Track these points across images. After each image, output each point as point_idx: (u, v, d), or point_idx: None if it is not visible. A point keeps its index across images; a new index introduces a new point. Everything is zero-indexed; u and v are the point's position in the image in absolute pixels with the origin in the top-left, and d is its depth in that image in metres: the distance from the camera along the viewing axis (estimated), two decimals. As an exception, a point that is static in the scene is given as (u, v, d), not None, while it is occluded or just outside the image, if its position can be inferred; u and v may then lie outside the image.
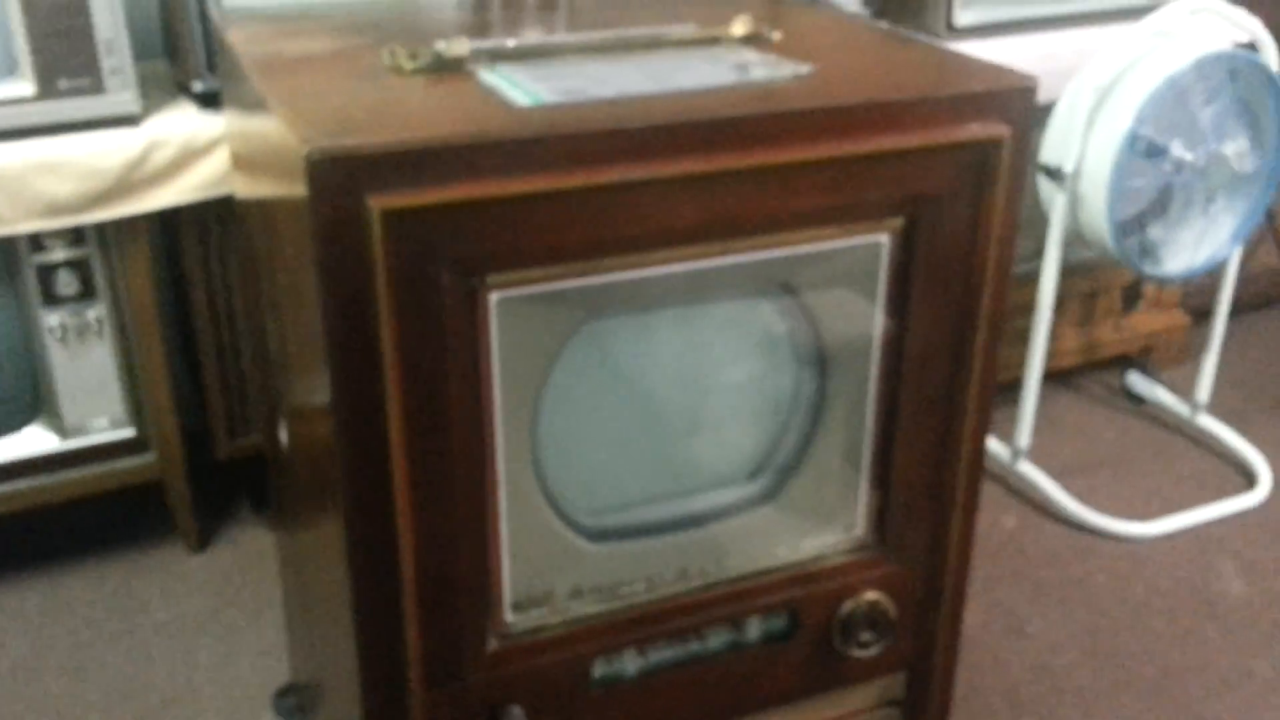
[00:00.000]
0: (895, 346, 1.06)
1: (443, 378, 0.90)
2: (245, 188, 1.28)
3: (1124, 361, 2.41)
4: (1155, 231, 1.92)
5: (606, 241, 0.91)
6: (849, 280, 1.03)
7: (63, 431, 1.76)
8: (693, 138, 0.90)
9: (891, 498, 1.12)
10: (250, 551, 1.90)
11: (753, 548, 1.10)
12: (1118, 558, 1.90)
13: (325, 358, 0.88)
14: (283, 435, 1.28)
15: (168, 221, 1.79)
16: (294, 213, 0.91)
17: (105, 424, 1.78)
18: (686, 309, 1.03)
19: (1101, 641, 1.72)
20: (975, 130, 0.99)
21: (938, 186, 1.00)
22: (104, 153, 1.58)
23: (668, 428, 1.07)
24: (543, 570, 1.02)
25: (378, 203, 0.82)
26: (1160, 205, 1.90)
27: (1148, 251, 1.92)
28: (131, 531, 1.93)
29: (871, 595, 1.14)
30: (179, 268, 1.82)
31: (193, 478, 1.86)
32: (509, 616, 1.01)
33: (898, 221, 1.01)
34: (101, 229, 1.67)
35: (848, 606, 1.14)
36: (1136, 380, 2.35)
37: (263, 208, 1.14)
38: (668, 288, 0.97)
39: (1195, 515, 1.99)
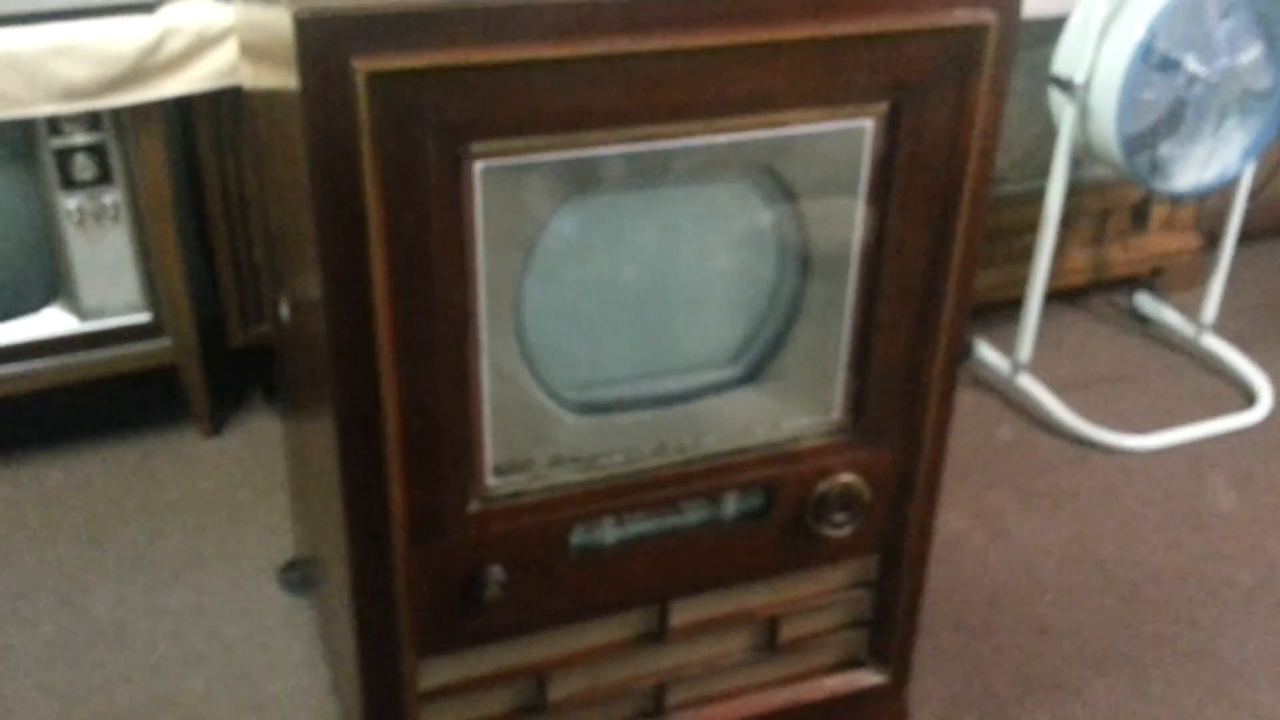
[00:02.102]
0: (877, 235, 1.09)
1: (427, 243, 0.93)
2: (251, 76, 1.30)
3: (1134, 282, 2.41)
4: (1167, 148, 1.91)
5: (590, 114, 0.93)
6: (833, 167, 1.05)
7: (81, 314, 1.81)
8: (681, 11, 0.92)
9: (869, 384, 1.15)
10: (261, 438, 1.96)
11: (731, 427, 1.13)
12: (1111, 470, 1.93)
13: (313, 222, 0.91)
14: (284, 316, 1.32)
15: (183, 109, 1.81)
16: (287, 88, 0.94)
17: (122, 308, 1.82)
18: (671, 189, 1.05)
19: (1087, 547, 1.75)
20: (961, 15, 1.00)
21: (922, 72, 1.01)
22: (120, 38, 1.61)
23: (650, 307, 1.10)
24: (524, 438, 1.06)
25: (363, 65, 0.85)
26: (1172, 121, 1.89)
27: (1158, 168, 1.92)
28: (148, 414, 1.99)
29: (846, 477, 1.18)
30: (194, 156, 1.85)
31: (207, 364, 1.91)
32: (490, 480, 1.06)
33: (881, 107, 1.03)
34: (117, 115, 1.70)
35: (822, 487, 1.17)
36: (1144, 300, 2.35)
37: (264, 95, 1.16)
38: (652, 165, 1.00)
39: (1192, 431, 2.01)
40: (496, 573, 1.08)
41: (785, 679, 1.30)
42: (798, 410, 1.15)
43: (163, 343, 1.86)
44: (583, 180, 0.98)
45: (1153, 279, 2.40)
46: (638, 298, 1.09)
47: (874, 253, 1.09)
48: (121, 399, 2.00)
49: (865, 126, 1.03)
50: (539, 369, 1.06)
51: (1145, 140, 1.89)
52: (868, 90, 1.01)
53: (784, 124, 1.00)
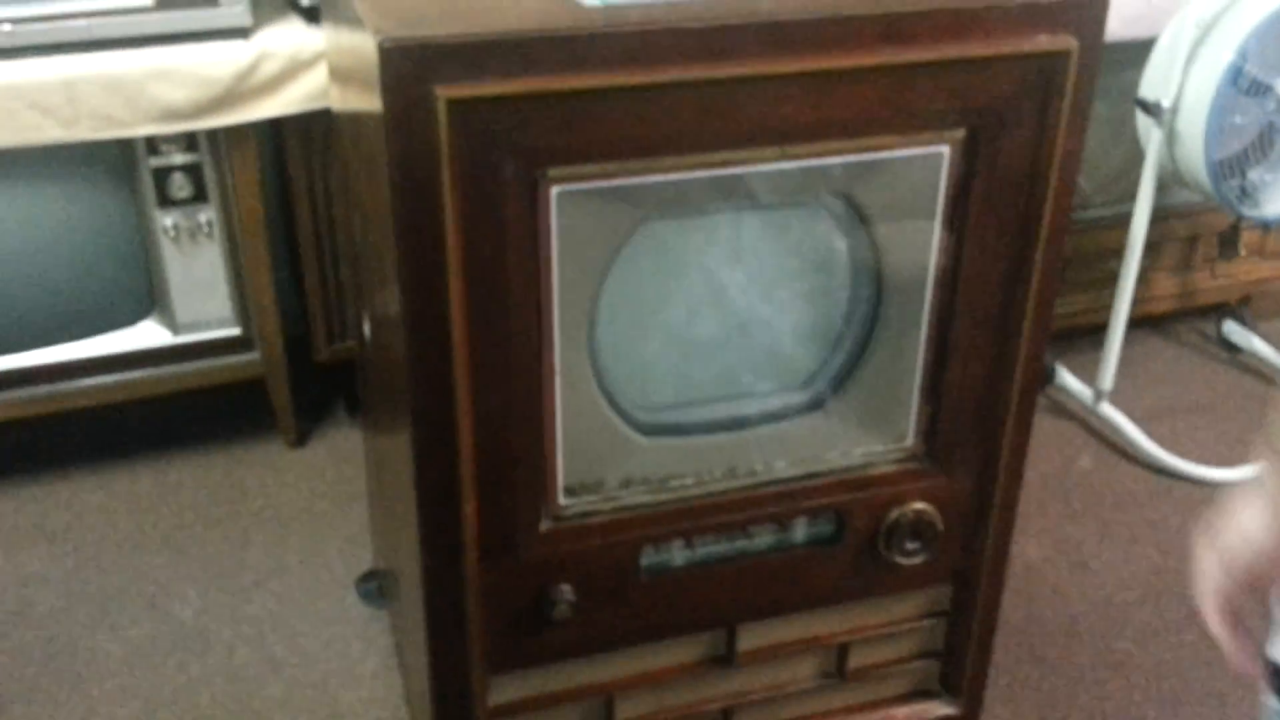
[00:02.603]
0: (953, 263, 1.08)
1: (503, 265, 0.95)
2: (339, 99, 1.34)
3: (1222, 310, 2.35)
4: (1256, 173, 1.87)
5: (665, 140, 0.95)
6: (910, 193, 1.05)
7: (174, 327, 1.87)
8: (754, 40, 0.93)
9: (943, 412, 1.14)
10: (344, 451, 2.00)
11: (802, 452, 1.13)
12: (1195, 502, 1.88)
13: (393, 241, 0.93)
14: (367, 333, 1.35)
15: (276, 131, 1.87)
16: (372, 110, 0.97)
17: (213, 322, 1.88)
18: (747, 214, 1.06)
19: (1168, 581, 1.71)
20: (1042, 42, 1.00)
21: (1001, 98, 1.01)
22: (216, 62, 1.66)
23: (723, 331, 1.11)
24: (595, 459, 1.07)
25: (444, 92, 0.87)
26: (1262, 146, 1.85)
27: (1248, 194, 1.88)
28: (236, 425, 2.04)
29: (919, 505, 1.17)
30: (285, 176, 1.91)
31: (294, 378, 1.95)
32: (562, 500, 1.07)
33: (959, 133, 1.02)
34: (213, 136, 1.75)
35: (894, 514, 1.17)
36: (1233, 329, 2.30)
37: (351, 117, 1.20)
38: (727, 191, 1.01)
39: (1282, 465, 1.95)
40: (566, 592, 1.09)
41: (854, 707, 1.29)
42: (870, 436, 1.15)
43: (252, 356, 1.91)
44: (658, 205, 0.99)
45: (1242, 307, 2.35)
46: (711, 321, 1.10)
47: (950, 279, 1.08)
48: (211, 410, 2.06)
49: (943, 152, 1.03)
50: (612, 390, 1.07)
51: (1234, 165, 1.85)
52: (945, 116, 1.01)
53: (860, 150, 1.01)
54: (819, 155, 1.00)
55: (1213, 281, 2.31)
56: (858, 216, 1.06)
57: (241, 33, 1.69)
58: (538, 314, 0.99)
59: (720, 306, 1.10)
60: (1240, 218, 1.97)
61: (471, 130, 0.89)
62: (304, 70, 1.71)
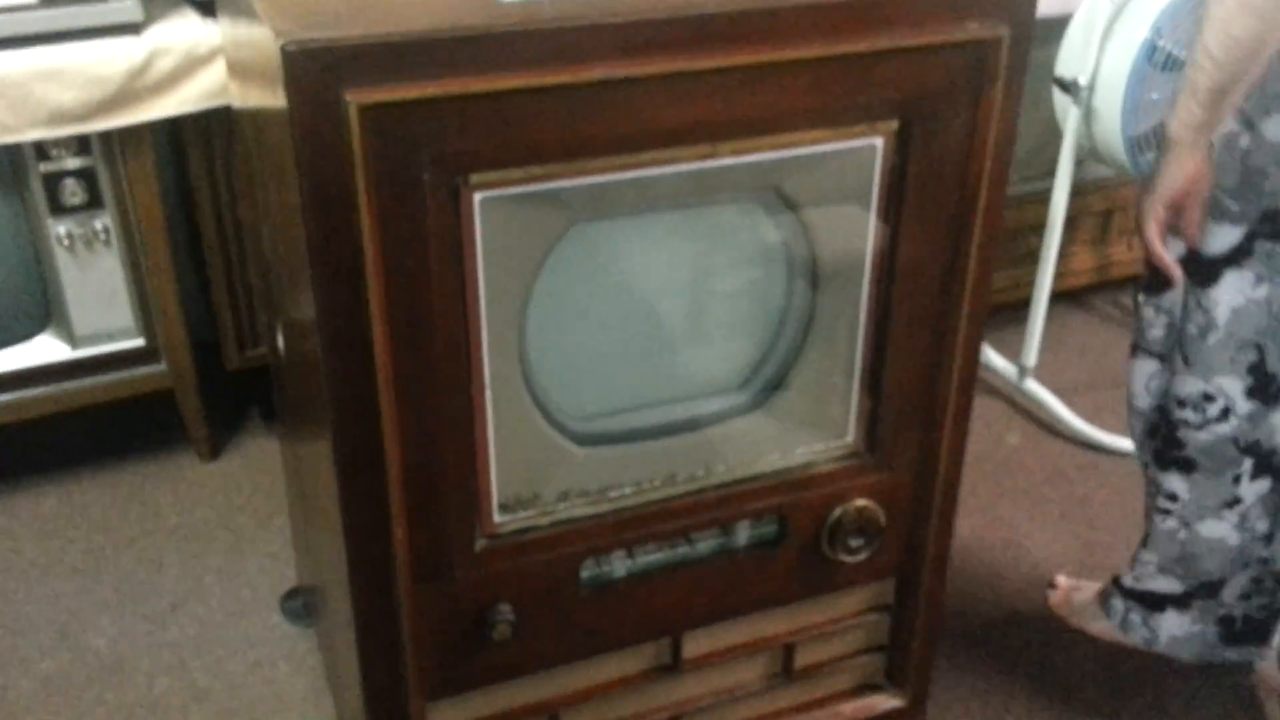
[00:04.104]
0: (889, 255, 1.06)
1: (426, 277, 0.90)
2: (239, 96, 1.27)
3: (1138, 281, 2.38)
4: (1171, 147, 1.88)
5: (591, 141, 0.90)
6: (844, 186, 1.02)
7: (73, 341, 1.77)
8: (679, 34, 0.89)
9: (882, 407, 1.12)
10: (260, 461, 1.92)
11: (742, 454, 1.10)
12: (1122, 475, 1.90)
13: (306, 256, 0.88)
14: (280, 344, 1.29)
15: (174, 131, 1.78)
16: (276, 111, 0.91)
17: (115, 333, 1.79)
18: (677, 214, 1.02)
19: (1099, 556, 1.73)
20: (973, 29, 0.97)
21: (933, 88, 0.98)
22: (106, 60, 1.58)
23: (658, 334, 1.08)
24: (530, 473, 1.03)
25: (355, 97, 0.81)
26: (1177, 119, 1.86)
27: (1163, 167, 1.89)
28: (145, 440, 1.95)
29: (861, 502, 1.15)
30: (186, 178, 1.82)
31: (204, 388, 1.87)
32: (497, 517, 1.03)
33: (892, 124, 1.00)
34: (107, 138, 1.66)
35: (837, 513, 1.15)
36: (1150, 300, 2.32)
37: (253, 115, 1.13)
38: (656, 191, 0.97)
39: (1203, 434, 1.98)
40: (505, 610, 1.05)
41: (802, 705, 1.28)
42: (810, 435, 1.12)
43: (158, 367, 1.83)
44: (585, 207, 0.95)
45: (1158, 277, 2.38)
46: (645, 325, 1.06)
47: (887, 270, 1.06)
48: (117, 425, 1.97)
49: (876, 145, 1.00)
50: (545, 401, 1.03)
51: (1150, 140, 1.86)
52: (878, 108, 0.98)
53: (792, 145, 0.97)
54: (749, 152, 0.96)
55: (1129, 254, 2.33)
56: (792, 211, 1.03)
57: (133, 28, 1.61)
58: (464, 324, 0.94)
59: (654, 309, 1.06)
60: (1156, 191, 1.99)
61: (386, 136, 0.84)
62: (201, 66, 1.63)
